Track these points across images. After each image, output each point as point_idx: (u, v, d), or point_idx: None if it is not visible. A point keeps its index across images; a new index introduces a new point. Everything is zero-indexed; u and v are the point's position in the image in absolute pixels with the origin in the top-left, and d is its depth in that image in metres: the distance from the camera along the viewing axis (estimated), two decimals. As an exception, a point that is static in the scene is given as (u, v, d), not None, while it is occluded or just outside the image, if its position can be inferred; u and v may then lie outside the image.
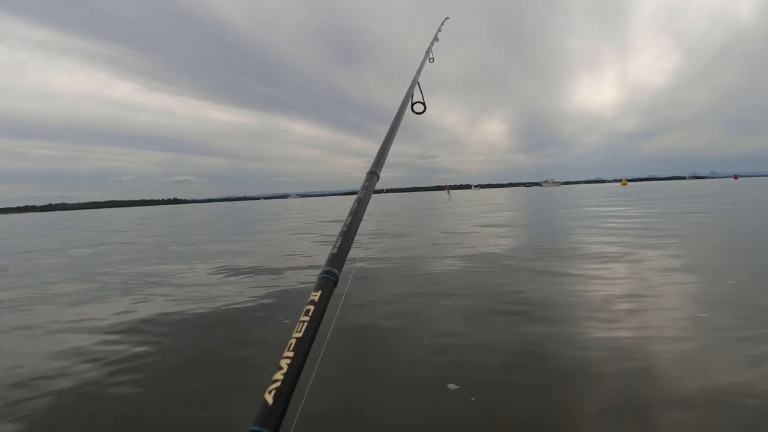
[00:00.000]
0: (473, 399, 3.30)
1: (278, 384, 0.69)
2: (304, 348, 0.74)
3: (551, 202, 32.01)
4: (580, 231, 13.69)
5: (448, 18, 2.59)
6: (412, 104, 1.48)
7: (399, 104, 1.47)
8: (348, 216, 1.00)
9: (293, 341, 0.75)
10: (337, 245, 0.93)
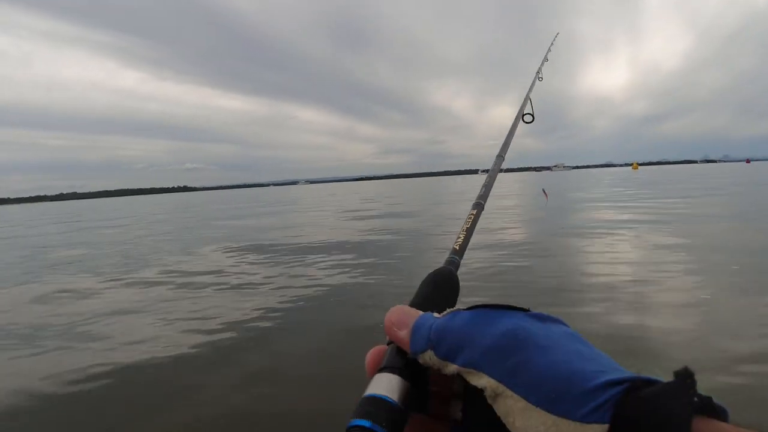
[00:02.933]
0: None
1: None
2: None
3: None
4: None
5: (558, 34, 2.59)
6: (523, 115, 1.67)
7: (515, 113, 1.64)
8: (473, 207, 0.89)
9: None
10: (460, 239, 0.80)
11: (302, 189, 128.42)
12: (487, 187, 0.98)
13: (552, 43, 2.43)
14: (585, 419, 0.31)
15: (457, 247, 0.73)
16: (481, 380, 0.39)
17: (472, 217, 0.82)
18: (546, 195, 17.13)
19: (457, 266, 0.68)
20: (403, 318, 0.47)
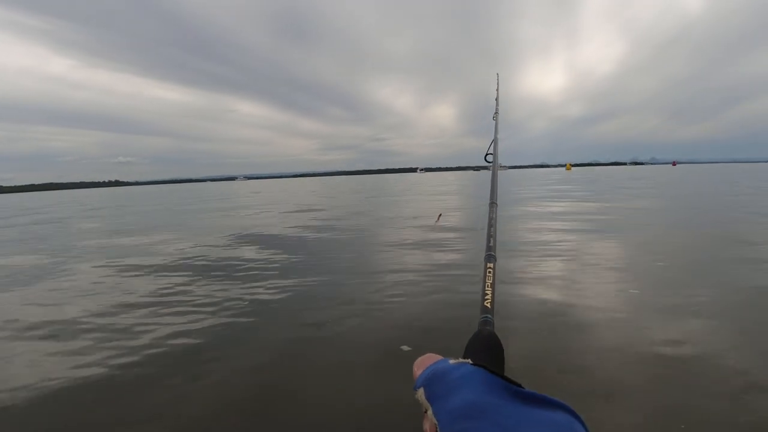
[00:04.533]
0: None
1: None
2: None
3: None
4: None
5: (498, 74, 2.74)
6: (486, 155, 1.73)
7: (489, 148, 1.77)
8: (487, 260, 0.92)
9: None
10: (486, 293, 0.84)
11: (241, 185, 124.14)
12: (493, 237, 1.02)
13: (497, 84, 2.58)
14: None
15: (488, 305, 0.77)
16: None
17: (491, 271, 0.86)
18: (438, 218, 14.87)
19: (493, 325, 0.73)
20: (424, 361, 0.52)
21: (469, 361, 0.50)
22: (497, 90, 2.55)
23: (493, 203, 1.24)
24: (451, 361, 0.51)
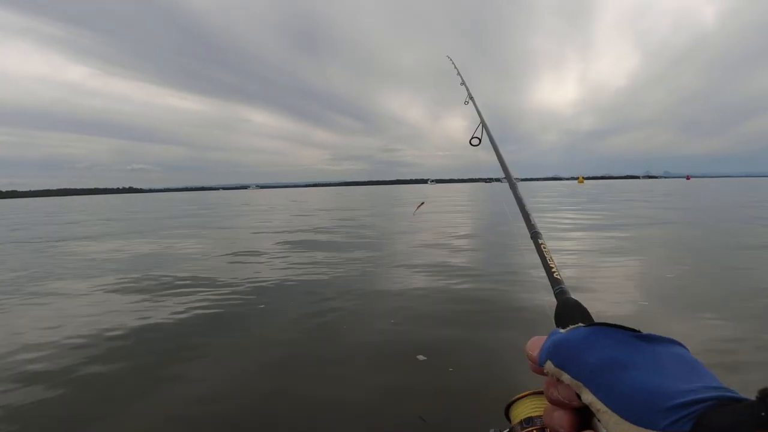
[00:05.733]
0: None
1: None
2: None
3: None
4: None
5: (449, 56, 2.79)
6: (471, 138, 1.73)
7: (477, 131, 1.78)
8: (537, 238, 0.95)
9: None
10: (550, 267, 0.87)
11: (253, 194, 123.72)
12: (529, 215, 1.04)
13: (456, 68, 2.59)
14: (666, 428, 0.35)
15: (558, 277, 0.80)
16: (586, 396, 0.44)
17: (543, 246, 0.90)
18: (417, 206, 15.36)
19: (569, 292, 0.75)
20: (536, 342, 0.56)
21: (580, 324, 0.53)
22: (459, 75, 2.52)
23: (512, 184, 1.30)
24: (562, 331, 0.54)
